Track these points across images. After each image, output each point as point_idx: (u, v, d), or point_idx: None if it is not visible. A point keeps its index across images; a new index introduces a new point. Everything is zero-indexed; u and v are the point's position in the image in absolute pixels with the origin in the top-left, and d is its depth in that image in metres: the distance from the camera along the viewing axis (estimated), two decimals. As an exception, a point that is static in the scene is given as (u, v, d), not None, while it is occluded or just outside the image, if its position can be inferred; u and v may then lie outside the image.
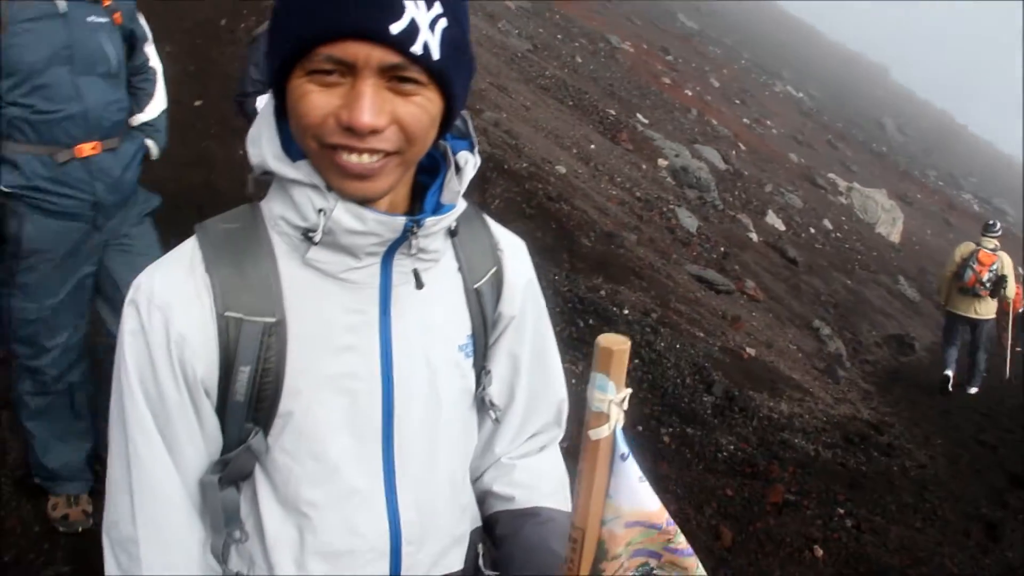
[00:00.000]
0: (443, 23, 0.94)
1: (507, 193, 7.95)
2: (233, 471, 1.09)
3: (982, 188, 45.06)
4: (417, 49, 0.92)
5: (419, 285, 1.11)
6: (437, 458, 1.19)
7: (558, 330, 1.38)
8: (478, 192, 7.27)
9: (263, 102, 3.46)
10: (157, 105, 3.16)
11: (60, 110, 2.67)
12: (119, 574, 1.09)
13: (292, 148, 1.04)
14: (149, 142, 3.11)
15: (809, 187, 20.06)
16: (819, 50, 67.67)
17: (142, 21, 3.05)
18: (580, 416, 1.00)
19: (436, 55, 0.94)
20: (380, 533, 1.13)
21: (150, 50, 3.11)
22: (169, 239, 3.06)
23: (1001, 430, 8.43)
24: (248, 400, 1.06)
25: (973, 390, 9.72)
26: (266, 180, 1.09)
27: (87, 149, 2.77)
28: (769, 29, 58.43)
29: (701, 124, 18.87)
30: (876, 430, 7.34)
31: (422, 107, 0.97)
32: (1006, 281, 9.30)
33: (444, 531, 1.22)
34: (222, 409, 1.07)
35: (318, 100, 0.94)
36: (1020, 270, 10.21)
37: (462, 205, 1.14)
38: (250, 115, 3.94)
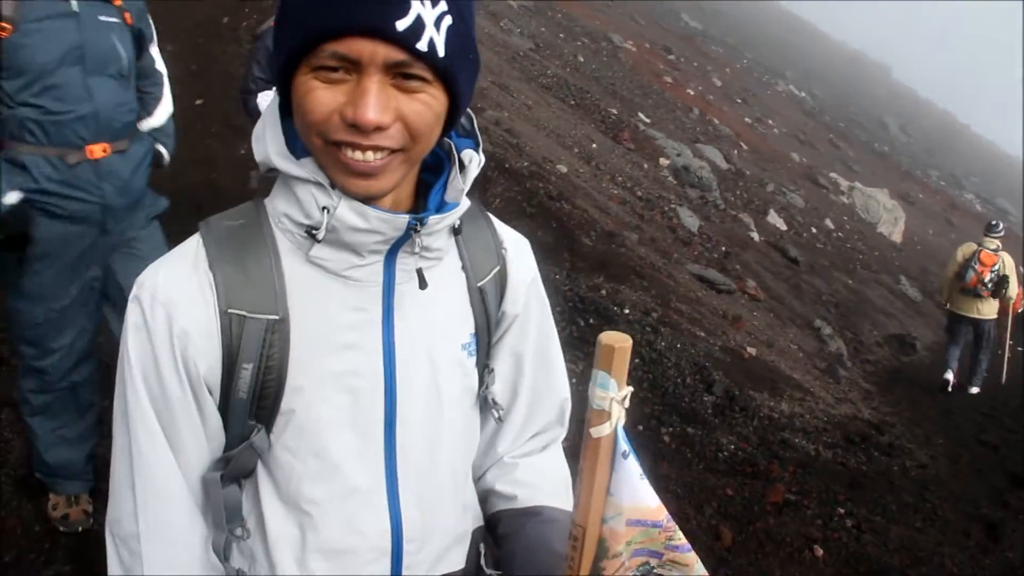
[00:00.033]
0: (448, 20, 0.94)
1: (508, 192, 7.95)
2: (235, 468, 1.09)
3: (984, 188, 45.00)
4: (422, 46, 0.92)
5: (423, 285, 1.11)
6: (439, 457, 1.19)
7: (559, 329, 1.38)
8: (479, 191, 7.27)
9: (265, 99, 3.46)
10: (165, 109, 3.13)
11: (71, 111, 2.64)
12: (121, 570, 1.09)
13: (296, 145, 1.04)
14: (160, 148, 3.09)
15: (811, 187, 20.04)
16: (822, 49, 67.62)
17: (150, 21, 3.03)
18: (581, 415, 1.00)
19: (441, 52, 0.94)
20: (381, 531, 1.13)
21: (155, 52, 3.08)
22: (170, 238, 3.08)
23: (1002, 430, 8.42)
24: (250, 397, 1.06)
25: (974, 390, 9.72)
26: (270, 177, 1.09)
27: (97, 151, 2.75)
28: (772, 29, 58.37)
29: (703, 123, 18.85)
30: (877, 430, 7.33)
31: (427, 104, 0.97)
32: (1008, 281, 9.29)
33: (446, 530, 1.22)
34: (224, 406, 1.07)
35: (323, 97, 0.95)
36: (1022, 270, 10.18)
37: (466, 203, 1.14)
38: (253, 112, 3.95)
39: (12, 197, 2.59)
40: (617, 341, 0.93)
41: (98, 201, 2.78)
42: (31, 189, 2.63)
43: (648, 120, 15.51)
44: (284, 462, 1.10)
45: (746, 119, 23.92)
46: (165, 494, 1.06)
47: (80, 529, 3.08)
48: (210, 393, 1.06)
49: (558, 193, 8.50)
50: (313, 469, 1.09)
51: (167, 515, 1.07)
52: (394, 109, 0.95)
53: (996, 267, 9.27)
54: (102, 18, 2.73)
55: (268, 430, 1.08)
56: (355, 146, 0.96)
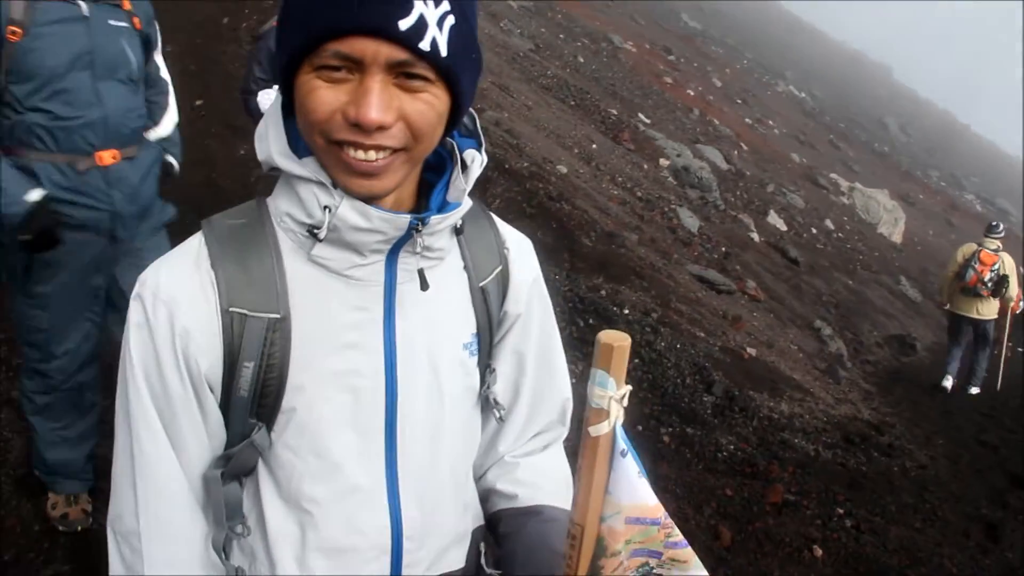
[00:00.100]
0: (451, 20, 0.95)
1: (508, 193, 7.95)
2: (236, 466, 1.09)
3: (985, 189, 44.97)
4: (425, 46, 0.92)
5: (424, 287, 1.12)
6: (440, 456, 1.19)
7: (558, 329, 1.38)
8: (479, 191, 7.28)
9: (266, 98, 3.44)
10: (171, 119, 3.10)
11: (79, 116, 2.61)
12: (123, 567, 1.09)
13: (299, 145, 1.04)
14: (169, 158, 3.06)
15: (811, 187, 20.03)
16: (822, 50, 67.60)
17: (156, 27, 3.00)
18: (582, 415, 1.00)
19: (444, 52, 0.94)
20: (381, 530, 1.13)
21: (160, 59, 3.05)
22: (170, 237, 3.08)
23: (1002, 430, 8.42)
24: (252, 396, 1.06)
25: (974, 390, 9.72)
26: (273, 176, 1.10)
27: (107, 157, 2.72)
28: (772, 29, 58.36)
29: (703, 124, 18.85)
30: (877, 430, 7.33)
31: (429, 104, 0.97)
32: (1007, 281, 9.29)
33: (446, 529, 1.22)
34: (226, 404, 1.07)
35: (326, 96, 0.95)
36: (1022, 271, 10.17)
37: (468, 203, 1.14)
38: (254, 112, 3.95)
39: (34, 195, 2.56)
40: (616, 340, 0.93)
41: (107, 209, 2.75)
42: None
43: (648, 121, 15.51)
44: (285, 460, 1.10)
45: (746, 120, 23.92)
46: (166, 492, 1.07)
47: (79, 528, 3.08)
48: (211, 391, 1.06)
49: (558, 194, 8.51)
50: (314, 468, 1.10)
51: (168, 513, 1.07)
52: (396, 109, 0.95)
53: (996, 266, 9.27)
54: (112, 22, 2.70)
55: (269, 428, 1.09)
56: (357, 145, 0.96)
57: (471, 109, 1.11)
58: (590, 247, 7.81)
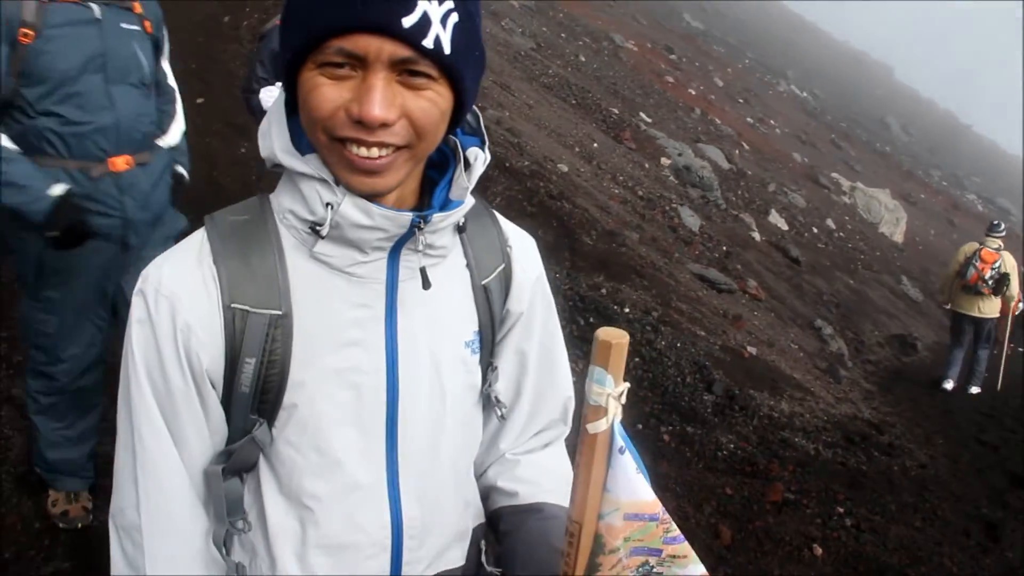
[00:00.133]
0: (455, 18, 0.95)
1: (509, 191, 7.96)
2: (237, 462, 1.09)
3: (986, 188, 44.94)
4: (428, 43, 0.93)
5: (426, 285, 1.11)
6: (441, 454, 1.19)
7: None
8: (480, 189, 7.30)
9: (269, 95, 3.41)
10: (178, 127, 3.05)
11: (91, 121, 2.58)
12: (124, 561, 1.10)
13: (302, 142, 1.04)
14: (179, 168, 3.02)
15: (812, 186, 20.02)
16: (823, 49, 67.55)
17: (165, 33, 2.97)
18: (582, 413, 1.00)
19: (447, 49, 0.94)
20: (382, 527, 1.14)
21: (167, 66, 3.00)
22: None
23: (1002, 430, 8.41)
24: (253, 392, 1.06)
25: (975, 390, 9.71)
26: (276, 173, 1.10)
27: (120, 163, 2.69)
28: (774, 28, 58.32)
29: (704, 123, 18.84)
30: (877, 430, 7.33)
31: (432, 101, 0.97)
32: (1008, 280, 9.30)
33: (447, 527, 1.22)
34: (227, 400, 1.07)
35: (329, 93, 0.95)
36: (1023, 269, 10.16)
37: (470, 202, 1.14)
38: (256, 111, 3.95)
39: (58, 189, 2.53)
40: (614, 337, 0.93)
41: (119, 216, 2.72)
42: None
43: (649, 120, 15.50)
44: (286, 456, 1.10)
45: (748, 119, 23.91)
46: (167, 487, 1.07)
47: (80, 526, 3.07)
48: (213, 387, 1.06)
49: (559, 192, 8.51)
50: (314, 464, 1.10)
51: (169, 507, 1.07)
52: (399, 106, 0.95)
53: (997, 264, 9.29)
54: (123, 25, 2.67)
55: (270, 424, 1.09)
56: (360, 142, 0.96)
57: (475, 107, 1.11)
58: (591, 246, 7.81)
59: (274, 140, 1.05)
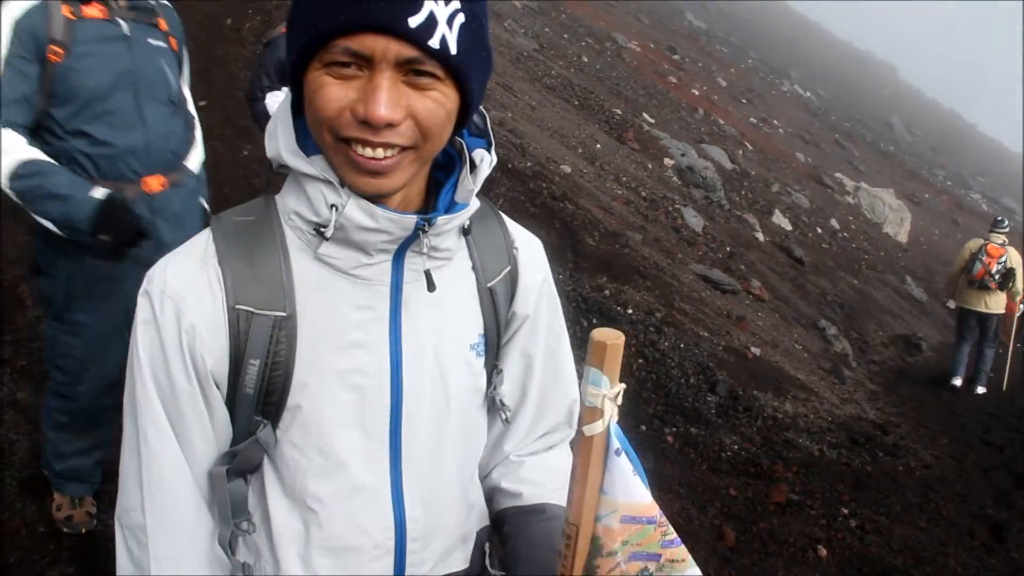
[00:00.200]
0: (461, 18, 0.95)
1: (511, 192, 7.95)
2: (241, 463, 1.10)
3: (991, 188, 44.85)
4: (434, 43, 0.92)
5: (431, 288, 1.11)
6: (445, 456, 1.19)
7: (562, 329, 1.38)
8: (483, 191, 7.32)
9: (274, 100, 3.38)
10: (198, 154, 2.96)
11: (122, 140, 2.54)
12: (130, 561, 1.10)
13: (308, 143, 1.04)
14: (200, 200, 2.92)
15: (816, 187, 20.00)
16: (827, 49, 67.47)
17: (186, 54, 2.93)
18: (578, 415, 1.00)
19: (453, 50, 0.94)
20: (385, 529, 1.14)
21: (187, 92, 2.94)
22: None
23: (1008, 430, 8.39)
24: (257, 393, 1.06)
25: (980, 390, 9.69)
26: (280, 175, 1.10)
27: (154, 184, 2.64)
28: (777, 28, 58.28)
29: (707, 123, 18.83)
30: (881, 430, 7.32)
31: (438, 102, 0.97)
32: (1014, 274, 9.32)
33: (450, 529, 1.22)
34: (232, 401, 1.08)
35: (335, 93, 0.95)
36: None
37: (475, 204, 1.13)
38: (260, 117, 3.93)
39: (99, 192, 2.43)
40: (609, 338, 0.92)
41: (152, 239, 2.62)
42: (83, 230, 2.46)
43: (652, 120, 15.49)
44: (290, 458, 1.10)
45: (751, 119, 23.89)
46: (172, 487, 1.07)
47: (83, 531, 3.07)
48: (217, 388, 1.07)
49: (562, 193, 8.50)
50: (318, 466, 1.10)
51: (173, 508, 1.08)
52: (405, 106, 0.95)
53: (1003, 259, 9.33)
54: (151, 41, 2.64)
55: (274, 426, 1.09)
56: (365, 143, 0.96)
57: (481, 108, 1.11)
58: (594, 247, 7.80)
59: (280, 141, 1.05)
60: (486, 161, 1.12)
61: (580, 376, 1.12)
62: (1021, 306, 9.70)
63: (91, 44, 2.47)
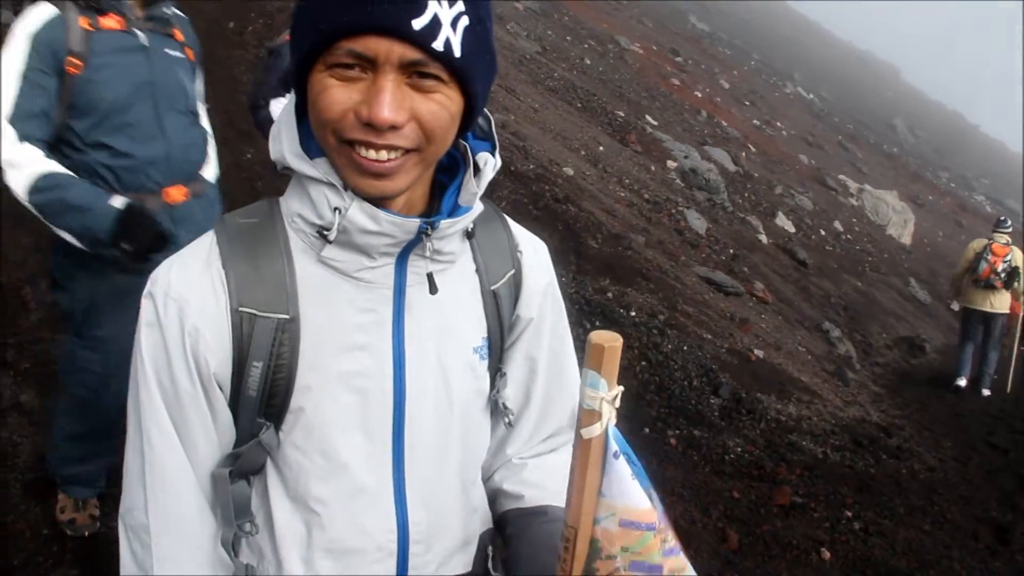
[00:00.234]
0: (465, 21, 0.95)
1: (514, 195, 7.96)
2: (244, 465, 1.10)
3: (994, 190, 44.80)
4: (438, 45, 0.92)
5: (433, 291, 1.11)
6: (448, 459, 1.19)
7: (565, 332, 1.38)
8: (486, 193, 7.33)
9: (279, 106, 3.35)
10: (212, 170, 2.95)
11: (143, 152, 2.52)
12: (133, 561, 1.10)
13: (311, 146, 1.04)
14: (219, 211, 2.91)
15: (819, 189, 19.98)
16: (830, 51, 67.44)
17: (201, 70, 2.91)
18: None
19: (457, 52, 0.94)
20: (387, 532, 1.14)
21: (202, 108, 2.92)
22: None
23: (1012, 433, 8.36)
24: (260, 395, 1.07)
25: (985, 392, 9.67)
26: (283, 177, 1.10)
27: (176, 195, 2.63)
28: (780, 30, 58.26)
29: (710, 126, 18.82)
30: (885, 432, 7.30)
31: (442, 104, 0.97)
32: (1019, 274, 9.31)
33: (453, 532, 1.22)
34: (235, 403, 1.08)
35: (338, 95, 0.95)
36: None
37: (479, 208, 1.13)
38: (264, 124, 3.92)
39: (118, 201, 2.43)
40: (607, 340, 0.92)
41: (174, 250, 2.60)
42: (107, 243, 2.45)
43: (655, 122, 15.49)
44: (293, 460, 1.10)
45: (754, 121, 23.89)
46: (175, 489, 1.07)
47: (86, 534, 3.07)
48: (220, 390, 1.07)
49: (564, 196, 8.50)
50: (321, 468, 1.10)
51: (177, 509, 1.08)
52: (409, 108, 0.95)
53: (1008, 258, 9.33)
54: (168, 51, 2.63)
55: (277, 428, 1.09)
56: (369, 145, 0.96)
57: (486, 111, 1.11)
58: (597, 249, 7.80)
59: (284, 143, 1.05)
60: (490, 164, 1.12)
61: None
62: None
63: (109, 55, 2.45)
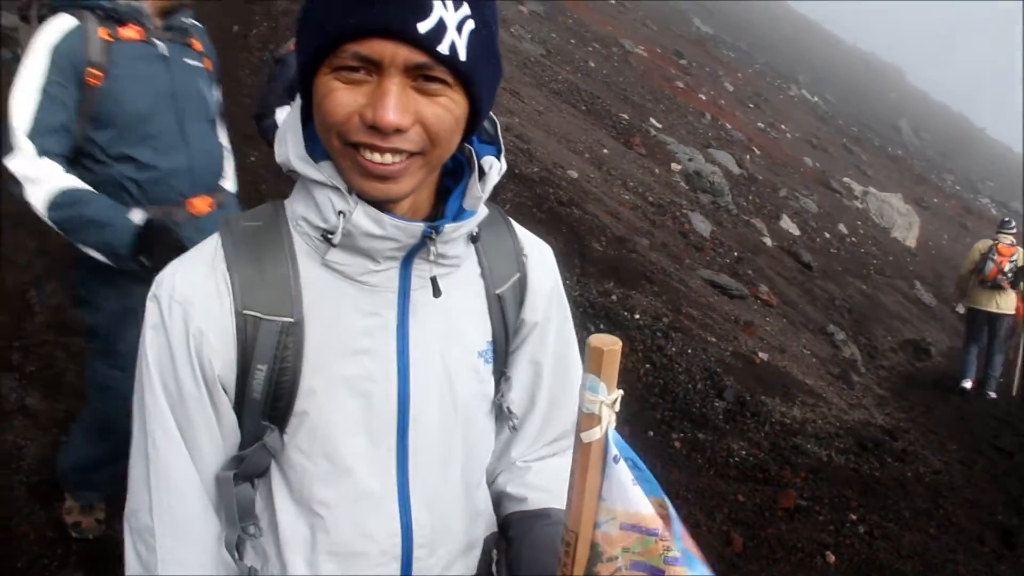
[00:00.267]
0: (471, 25, 0.95)
1: (518, 198, 7.96)
2: (248, 467, 1.10)
3: (1000, 192, 44.70)
4: (443, 49, 0.92)
5: (436, 294, 1.11)
6: (452, 463, 1.19)
7: (570, 335, 1.37)
8: (490, 196, 7.35)
9: (283, 114, 3.32)
10: (232, 181, 2.93)
11: (167, 162, 2.51)
12: (138, 563, 1.11)
13: (317, 149, 1.04)
14: None
15: (824, 191, 19.96)
16: (834, 52, 67.37)
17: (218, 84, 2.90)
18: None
19: (463, 56, 0.94)
20: (391, 535, 1.14)
21: (219, 118, 2.89)
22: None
23: (1018, 436, 8.33)
24: (264, 398, 1.07)
25: (991, 395, 9.64)
26: (293, 178, 1.10)
27: (201, 206, 2.61)
28: (784, 32, 58.23)
29: (715, 128, 18.82)
30: (890, 436, 7.28)
31: (447, 108, 0.97)
32: None
33: (457, 536, 1.22)
34: (239, 406, 1.08)
35: (343, 98, 0.95)
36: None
37: (483, 212, 1.13)
38: (268, 132, 3.92)
39: (137, 216, 2.40)
40: (606, 344, 0.92)
41: None
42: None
43: (660, 125, 15.49)
44: (297, 463, 1.10)
45: (758, 124, 23.87)
46: (179, 491, 1.08)
47: (91, 537, 3.07)
48: (225, 392, 1.07)
49: (568, 199, 8.51)
50: (325, 471, 1.10)
51: (181, 511, 1.08)
52: (414, 112, 0.95)
53: (1015, 257, 9.33)
54: (187, 61, 2.62)
55: (281, 431, 1.09)
56: (374, 148, 0.96)
57: (492, 115, 1.11)
58: (601, 252, 7.80)
59: (289, 147, 1.06)
60: (495, 168, 1.12)
61: None
62: None
63: (130, 65, 2.43)
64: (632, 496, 0.95)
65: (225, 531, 1.12)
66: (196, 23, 2.76)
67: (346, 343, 1.08)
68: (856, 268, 14.98)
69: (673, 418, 5.71)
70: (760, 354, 7.68)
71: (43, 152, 2.34)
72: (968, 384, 9.72)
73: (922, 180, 34.16)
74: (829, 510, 5.11)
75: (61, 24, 2.36)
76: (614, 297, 7.02)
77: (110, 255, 2.41)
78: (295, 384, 1.07)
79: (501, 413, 1.27)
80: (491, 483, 1.35)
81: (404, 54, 0.92)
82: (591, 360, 0.92)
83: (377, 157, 0.96)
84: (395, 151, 0.96)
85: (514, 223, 1.29)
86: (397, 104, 0.93)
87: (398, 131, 0.94)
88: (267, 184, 6.24)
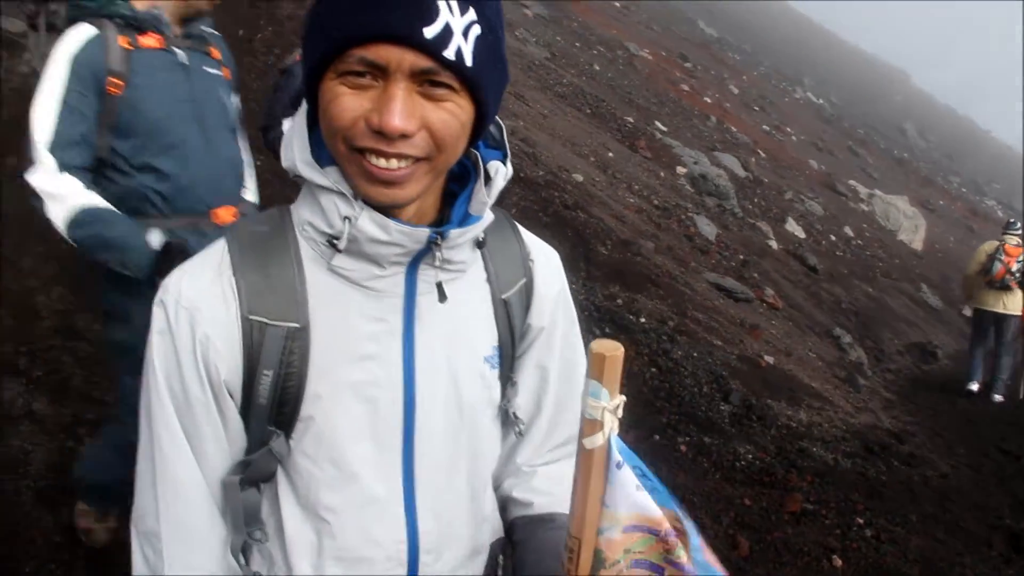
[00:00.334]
0: (477, 30, 0.95)
1: (523, 201, 7.96)
2: (254, 472, 1.10)
3: (1006, 194, 44.57)
4: (450, 54, 0.92)
5: (442, 299, 1.11)
6: (458, 468, 1.19)
7: (576, 339, 1.37)
8: (495, 201, 7.36)
9: (290, 124, 3.28)
10: (253, 190, 2.90)
11: (190, 171, 2.49)
12: (145, 566, 1.11)
13: (323, 155, 1.04)
14: None
15: (830, 194, 19.93)
16: (839, 55, 67.28)
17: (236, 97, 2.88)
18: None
19: (469, 61, 0.94)
20: (397, 541, 1.14)
21: (239, 127, 2.85)
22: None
23: (1025, 439, 8.31)
24: (270, 403, 1.07)
25: (998, 398, 9.61)
26: (299, 183, 1.10)
27: (226, 215, 2.59)
28: (789, 34, 58.18)
29: (720, 131, 18.81)
30: (897, 439, 7.26)
31: (453, 113, 0.97)
32: None
33: (463, 541, 1.22)
34: (245, 411, 1.08)
35: (349, 103, 0.95)
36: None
37: (489, 217, 1.13)
38: (274, 144, 3.91)
39: (155, 238, 2.40)
40: (608, 349, 0.91)
41: None
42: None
43: (665, 128, 15.48)
44: (303, 468, 1.10)
45: (764, 126, 23.85)
46: (185, 495, 1.08)
47: (100, 546, 3.07)
48: (231, 397, 1.07)
49: (574, 202, 8.51)
50: (331, 476, 1.10)
51: (187, 516, 1.08)
52: (419, 117, 0.95)
53: (1022, 258, 9.30)
54: (207, 69, 2.60)
55: (287, 436, 1.09)
56: (380, 153, 0.95)
57: (499, 120, 1.11)
58: (606, 255, 7.80)
59: (295, 152, 1.06)
60: (501, 173, 1.12)
61: None
62: None
63: (150, 74, 2.42)
64: (636, 500, 0.94)
65: (231, 536, 1.12)
66: (215, 31, 2.75)
67: (352, 348, 1.08)
68: (862, 271, 14.95)
69: (679, 422, 5.70)
70: (766, 357, 7.67)
71: (64, 166, 2.32)
72: (975, 387, 9.70)
73: (928, 182, 34.10)
74: (836, 514, 5.09)
75: (81, 33, 2.35)
76: (619, 301, 7.02)
77: (131, 272, 2.41)
78: (301, 389, 1.06)
79: (507, 418, 1.26)
80: (497, 488, 1.34)
81: (410, 59, 0.92)
82: (593, 366, 0.92)
83: (383, 162, 0.96)
84: (401, 156, 0.96)
85: (520, 227, 1.29)
86: (403, 109, 0.93)
87: (404, 136, 0.94)
88: (273, 189, 6.25)
